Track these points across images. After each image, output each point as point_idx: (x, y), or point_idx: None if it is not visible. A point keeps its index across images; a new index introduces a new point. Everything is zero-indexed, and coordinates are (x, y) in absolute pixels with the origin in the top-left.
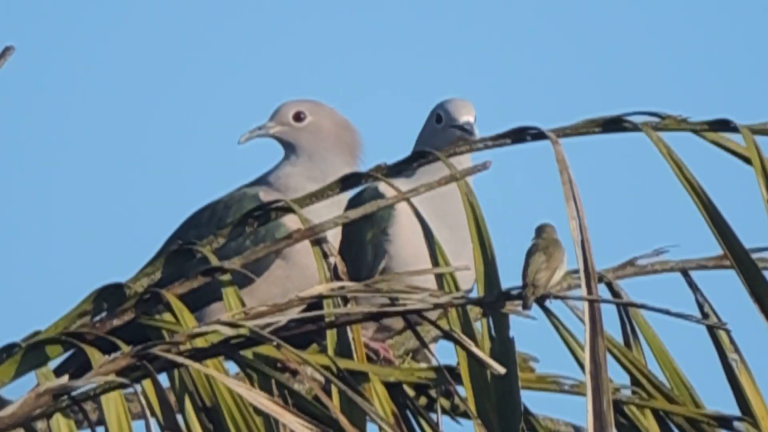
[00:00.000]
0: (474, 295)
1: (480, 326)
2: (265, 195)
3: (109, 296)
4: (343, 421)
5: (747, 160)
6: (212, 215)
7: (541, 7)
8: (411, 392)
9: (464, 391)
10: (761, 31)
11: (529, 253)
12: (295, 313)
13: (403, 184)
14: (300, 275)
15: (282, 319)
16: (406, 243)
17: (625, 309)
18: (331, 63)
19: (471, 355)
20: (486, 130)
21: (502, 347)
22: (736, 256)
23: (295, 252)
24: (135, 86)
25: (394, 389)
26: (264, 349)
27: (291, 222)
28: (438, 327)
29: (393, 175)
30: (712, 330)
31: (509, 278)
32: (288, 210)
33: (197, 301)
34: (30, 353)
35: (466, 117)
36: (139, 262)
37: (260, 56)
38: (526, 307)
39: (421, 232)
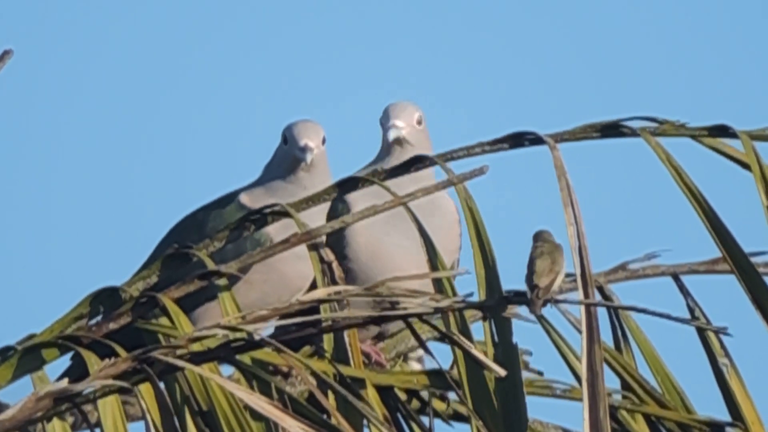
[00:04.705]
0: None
1: (482, 329)
2: (250, 199)
3: (105, 300)
4: (343, 423)
5: (746, 166)
6: (194, 220)
7: (539, 11)
8: (402, 395)
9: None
10: (760, 35)
11: (534, 257)
12: (288, 317)
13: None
14: (278, 280)
15: (282, 323)
16: (362, 265)
17: (616, 313)
18: (328, 64)
19: (469, 358)
20: (484, 134)
21: (506, 352)
22: (736, 261)
23: (274, 258)
24: (132, 90)
25: (385, 393)
26: (261, 353)
27: (273, 230)
28: (436, 329)
29: (390, 179)
30: (702, 335)
31: (506, 283)
32: (284, 214)
33: (190, 303)
34: (26, 357)
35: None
36: (134, 266)
37: (256, 58)
38: (533, 311)
39: (377, 251)
